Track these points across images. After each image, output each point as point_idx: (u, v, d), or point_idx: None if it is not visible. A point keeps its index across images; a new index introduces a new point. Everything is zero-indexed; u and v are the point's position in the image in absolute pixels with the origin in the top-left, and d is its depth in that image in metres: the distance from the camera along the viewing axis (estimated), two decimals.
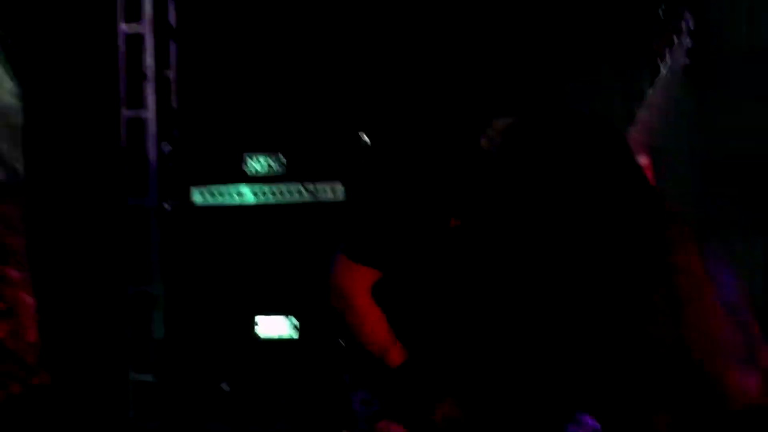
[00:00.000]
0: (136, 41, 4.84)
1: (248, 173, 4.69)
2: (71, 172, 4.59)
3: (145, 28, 4.83)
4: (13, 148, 2.31)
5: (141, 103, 4.84)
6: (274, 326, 4.64)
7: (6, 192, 2.26)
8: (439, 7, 4.50)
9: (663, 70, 2.69)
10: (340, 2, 4.62)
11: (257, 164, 4.68)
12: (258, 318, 4.66)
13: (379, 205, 2.47)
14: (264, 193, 4.66)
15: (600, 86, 4.31)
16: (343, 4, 4.61)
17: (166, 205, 4.73)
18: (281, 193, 4.65)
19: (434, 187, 2.36)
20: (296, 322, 4.62)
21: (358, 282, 2.41)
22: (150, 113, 4.84)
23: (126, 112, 4.84)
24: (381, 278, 2.41)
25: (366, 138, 4.46)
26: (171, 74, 4.88)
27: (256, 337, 4.66)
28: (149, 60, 4.84)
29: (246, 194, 4.68)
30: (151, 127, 4.84)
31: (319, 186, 4.60)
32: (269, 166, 4.66)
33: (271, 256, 4.66)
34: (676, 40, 2.67)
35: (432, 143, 2.48)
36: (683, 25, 2.67)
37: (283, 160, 4.66)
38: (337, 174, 4.60)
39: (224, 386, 4.63)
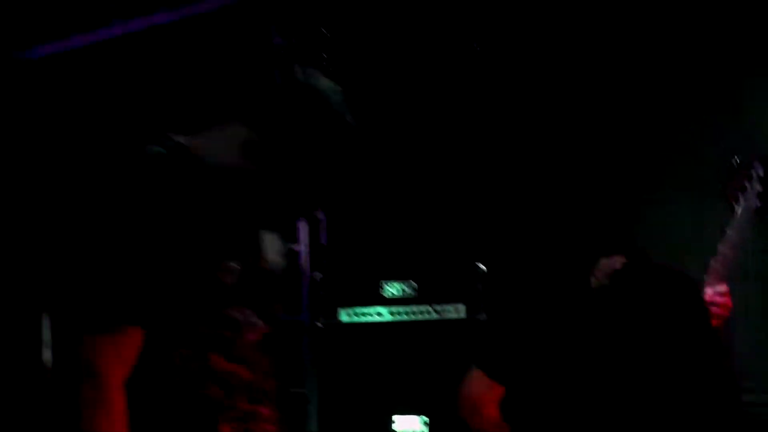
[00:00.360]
0: None
1: (385, 296, 4.96)
2: None
3: None
4: (274, 304, 2.38)
5: (296, 239, 5.27)
6: (408, 423, 4.85)
7: (267, 344, 2.34)
8: (530, 152, 4.84)
9: (738, 211, 2.83)
10: (455, 155, 4.97)
11: (393, 289, 4.95)
12: (394, 416, 4.89)
13: (505, 331, 2.69)
14: (399, 313, 4.92)
15: (676, 218, 4.44)
16: (458, 156, 4.95)
17: (318, 324, 5.09)
18: (413, 312, 4.89)
19: (547, 316, 2.53)
20: (426, 419, 4.80)
21: (487, 395, 2.57)
22: (303, 247, 5.28)
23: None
24: (507, 393, 2.58)
25: (482, 267, 4.69)
26: (320, 215, 5.26)
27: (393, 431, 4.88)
28: None
29: (384, 314, 4.96)
30: (304, 259, 5.28)
31: (445, 306, 4.82)
32: (403, 290, 4.93)
33: (404, 364, 4.86)
34: (748, 186, 2.83)
35: (543, 274, 2.75)
36: (754, 173, 2.83)
37: (415, 285, 4.90)
38: (459, 297, 4.78)
39: None
